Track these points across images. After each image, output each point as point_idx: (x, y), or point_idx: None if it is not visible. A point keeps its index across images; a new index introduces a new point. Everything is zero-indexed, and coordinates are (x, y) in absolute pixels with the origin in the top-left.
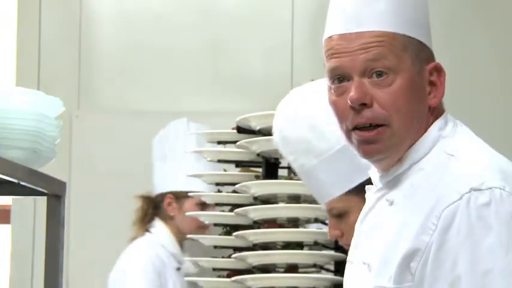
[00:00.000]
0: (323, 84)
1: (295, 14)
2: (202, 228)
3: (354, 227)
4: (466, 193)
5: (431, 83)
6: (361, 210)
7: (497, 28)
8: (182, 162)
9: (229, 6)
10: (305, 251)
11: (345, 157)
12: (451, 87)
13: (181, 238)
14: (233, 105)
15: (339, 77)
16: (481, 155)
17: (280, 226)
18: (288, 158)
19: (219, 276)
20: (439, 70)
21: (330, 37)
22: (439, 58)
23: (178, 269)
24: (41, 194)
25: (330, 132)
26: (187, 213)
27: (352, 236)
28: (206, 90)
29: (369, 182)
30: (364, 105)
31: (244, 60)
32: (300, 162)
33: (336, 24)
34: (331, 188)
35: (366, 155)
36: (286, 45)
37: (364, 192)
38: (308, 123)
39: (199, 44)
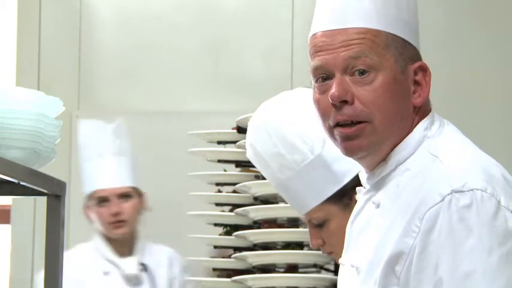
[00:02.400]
0: (292, 94)
1: (295, 14)
2: (112, 224)
3: (334, 234)
4: (448, 195)
5: (416, 82)
6: (339, 217)
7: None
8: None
9: (229, 6)
10: (305, 251)
11: (319, 167)
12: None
13: (112, 240)
14: (233, 105)
15: (322, 76)
16: (464, 155)
17: (280, 226)
18: (262, 172)
19: (219, 276)
20: (424, 69)
21: (314, 34)
22: (442, 58)
23: (106, 273)
24: (41, 194)
25: (302, 143)
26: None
27: (333, 243)
28: (206, 90)
29: (344, 189)
30: (345, 102)
31: (244, 60)
32: (275, 176)
33: (320, 22)
34: (308, 198)
35: (348, 151)
36: (286, 45)
37: (342, 199)
38: (278, 137)
39: (199, 44)
